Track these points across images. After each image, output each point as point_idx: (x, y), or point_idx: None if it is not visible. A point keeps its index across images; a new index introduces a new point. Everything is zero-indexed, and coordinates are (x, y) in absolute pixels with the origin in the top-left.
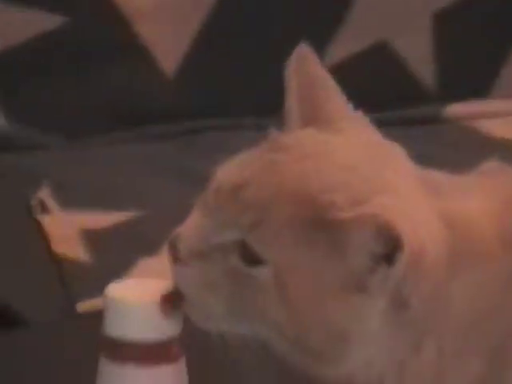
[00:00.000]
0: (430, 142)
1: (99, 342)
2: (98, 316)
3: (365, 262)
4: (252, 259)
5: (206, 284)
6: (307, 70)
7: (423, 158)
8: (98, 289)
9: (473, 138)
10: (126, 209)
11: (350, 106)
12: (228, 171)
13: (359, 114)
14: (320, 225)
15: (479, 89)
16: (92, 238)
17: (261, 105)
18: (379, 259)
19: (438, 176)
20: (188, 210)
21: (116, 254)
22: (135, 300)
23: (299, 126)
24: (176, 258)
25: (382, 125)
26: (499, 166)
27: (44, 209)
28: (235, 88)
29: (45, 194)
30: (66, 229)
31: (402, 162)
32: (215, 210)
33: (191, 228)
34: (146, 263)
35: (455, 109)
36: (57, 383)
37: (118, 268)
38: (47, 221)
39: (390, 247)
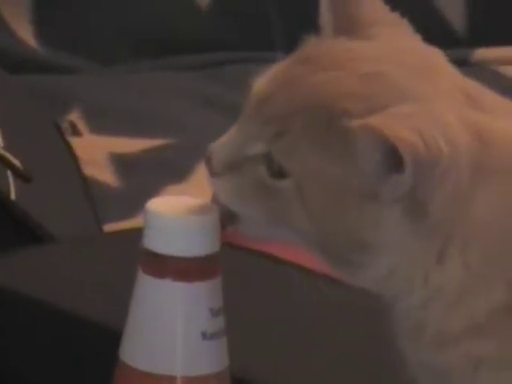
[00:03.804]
0: None
1: (138, 256)
2: (125, 235)
3: (375, 171)
4: (277, 172)
5: (239, 195)
6: None
7: None
8: (125, 212)
9: (499, 83)
10: (155, 135)
11: (388, 10)
12: (259, 84)
13: (399, 18)
14: (333, 133)
15: (509, 34)
16: (121, 162)
17: (293, 40)
18: (388, 168)
19: (487, 93)
20: (215, 139)
21: (144, 180)
22: (177, 215)
23: (332, 39)
24: (211, 171)
25: None
26: None
27: (75, 131)
28: (267, 21)
29: (76, 116)
30: (96, 152)
31: (443, 70)
32: (245, 124)
33: (224, 141)
34: (175, 190)
35: (484, 53)
36: (87, 296)
37: (146, 193)
38: (77, 143)
39: (391, 158)
